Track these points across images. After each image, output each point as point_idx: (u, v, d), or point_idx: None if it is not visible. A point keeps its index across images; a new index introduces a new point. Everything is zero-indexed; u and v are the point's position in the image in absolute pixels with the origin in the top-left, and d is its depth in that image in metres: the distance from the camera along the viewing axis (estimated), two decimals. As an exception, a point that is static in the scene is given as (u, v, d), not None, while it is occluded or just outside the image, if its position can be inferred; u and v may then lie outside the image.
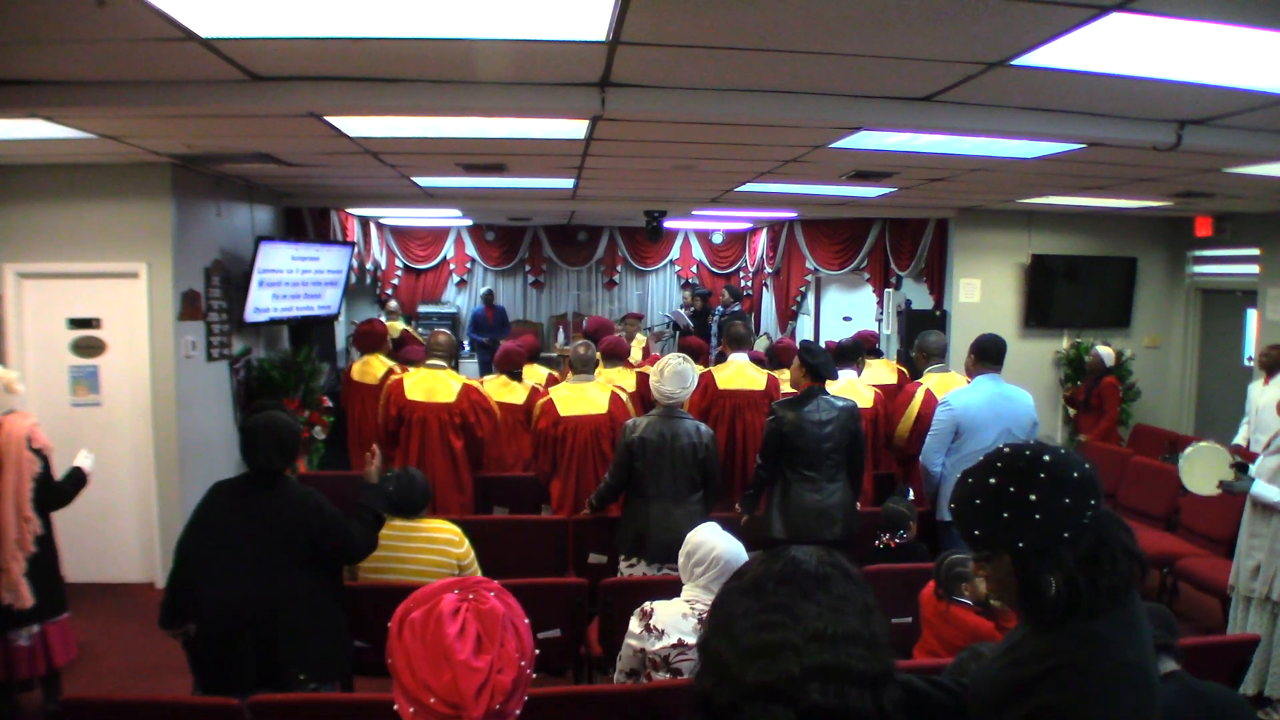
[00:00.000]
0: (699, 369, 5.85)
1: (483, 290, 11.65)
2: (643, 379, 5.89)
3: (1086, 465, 1.41)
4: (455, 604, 1.35)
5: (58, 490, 3.74)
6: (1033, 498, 1.37)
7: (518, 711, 1.40)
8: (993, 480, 1.41)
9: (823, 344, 5.97)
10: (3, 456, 3.55)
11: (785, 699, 0.99)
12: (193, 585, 2.86)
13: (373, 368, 6.19)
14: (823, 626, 1.03)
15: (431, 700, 1.30)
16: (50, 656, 3.75)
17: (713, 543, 2.65)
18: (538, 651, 1.46)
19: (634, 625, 2.66)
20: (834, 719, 0.99)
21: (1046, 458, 1.40)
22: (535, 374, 6.21)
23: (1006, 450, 1.45)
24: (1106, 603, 1.37)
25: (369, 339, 6.41)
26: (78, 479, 3.81)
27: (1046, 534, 1.36)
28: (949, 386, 4.78)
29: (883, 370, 5.98)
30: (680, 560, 2.73)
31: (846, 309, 10.59)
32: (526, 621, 1.42)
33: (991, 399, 4.38)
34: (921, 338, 5.33)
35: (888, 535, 3.96)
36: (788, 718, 0.98)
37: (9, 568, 3.56)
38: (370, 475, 3.27)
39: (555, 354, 10.13)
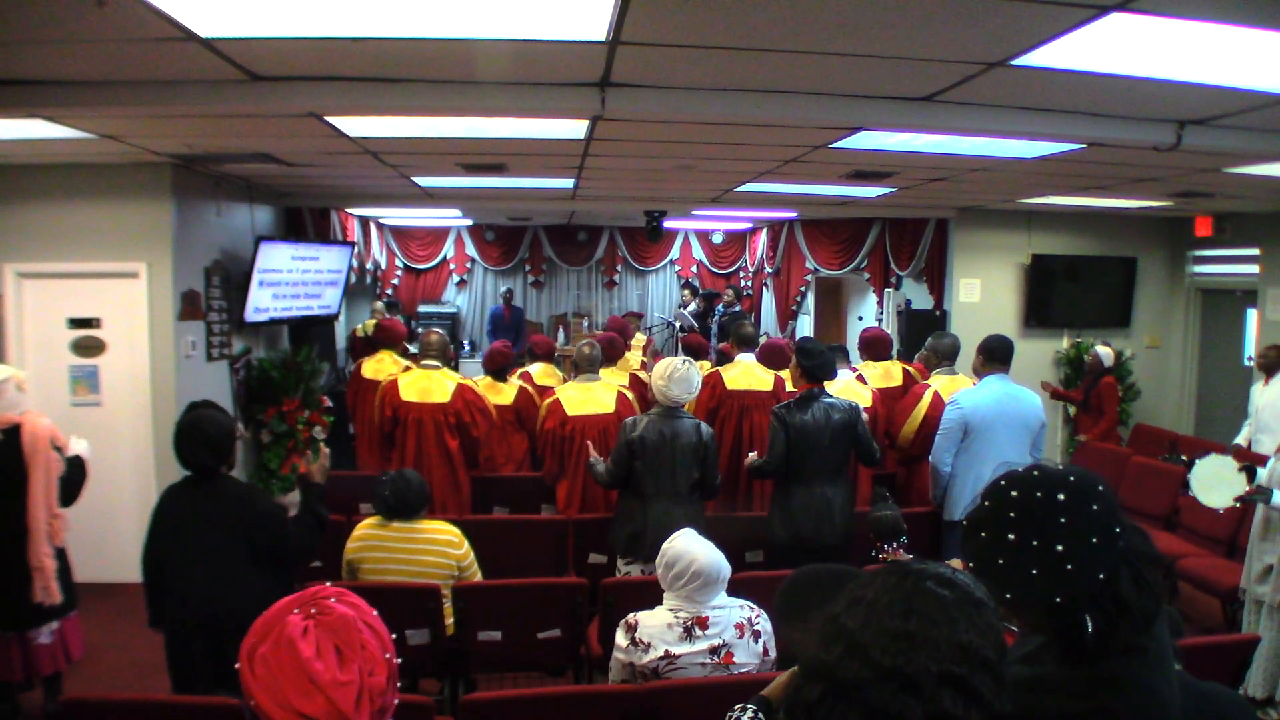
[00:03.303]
0: (704, 366, 5.87)
1: (502, 289, 11.75)
2: (635, 379, 5.88)
3: (1100, 488, 1.29)
4: (301, 624, 1.32)
5: (71, 484, 3.74)
6: (1060, 549, 1.24)
7: (396, 701, 1.40)
8: (1011, 536, 1.26)
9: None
10: (30, 455, 3.52)
11: (917, 693, 0.99)
12: (159, 587, 2.96)
13: (385, 366, 6.18)
14: (969, 642, 1.03)
15: None
16: (69, 652, 3.78)
17: (692, 554, 2.61)
18: (396, 649, 1.44)
19: (620, 638, 2.65)
20: None
21: (1061, 497, 1.26)
22: (550, 375, 6.18)
23: (1014, 493, 1.29)
24: (1143, 632, 1.30)
25: (387, 335, 6.43)
26: (79, 467, 3.81)
27: (1081, 582, 1.25)
28: (956, 390, 4.76)
29: (892, 370, 5.96)
30: (659, 570, 2.69)
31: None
32: (375, 613, 1.40)
33: (1000, 399, 4.39)
34: (935, 338, 5.30)
35: (894, 545, 3.93)
36: (915, 713, 0.98)
37: (44, 565, 3.54)
38: (313, 474, 3.21)
39: (556, 354, 10.13)
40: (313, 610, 1.34)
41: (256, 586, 2.86)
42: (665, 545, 2.69)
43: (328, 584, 1.47)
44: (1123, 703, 1.29)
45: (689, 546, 2.64)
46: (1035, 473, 1.32)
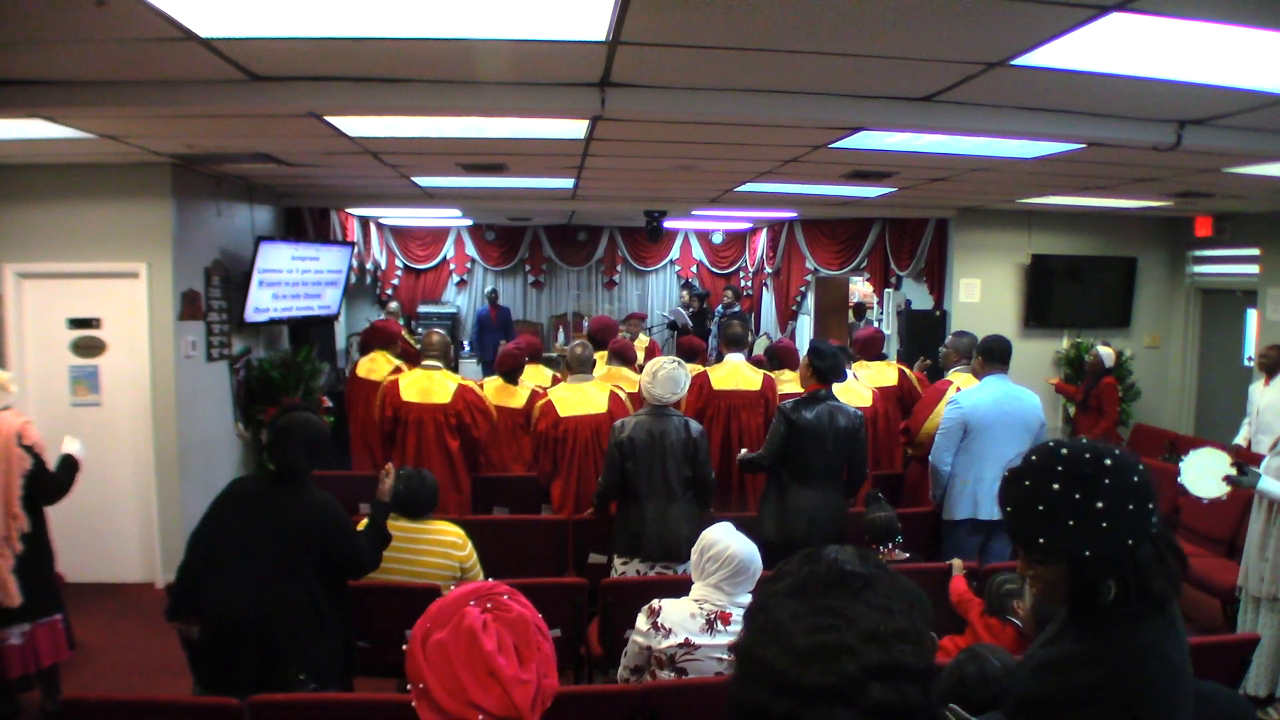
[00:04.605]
0: (696, 368, 5.87)
1: (487, 290, 11.68)
2: None
3: (1142, 467, 1.39)
4: (481, 616, 1.32)
5: (53, 481, 3.72)
6: (1099, 505, 1.33)
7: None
8: (1056, 486, 1.36)
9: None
10: None
11: (848, 700, 0.99)
12: (200, 580, 2.87)
13: (379, 365, 6.18)
14: (875, 626, 1.03)
15: (480, 718, 1.28)
16: (38, 656, 3.73)
17: (727, 542, 2.64)
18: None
19: (641, 622, 2.65)
20: (893, 715, 0.99)
21: (1108, 461, 1.36)
22: (539, 375, 6.18)
23: (1064, 451, 1.39)
24: (1155, 607, 1.37)
25: (380, 336, 6.42)
26: (70, 466, 3.79)
27: (1112, 542, 1.34)
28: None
29: (886, 371, 5.96)
30: (693, 557, 2.72)
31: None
32: (540, 616, 1.42)
33: (1000, 399, 4.39)
34: (955, 336, 5.30)
35: (890, 546, 3.93)
36: (851, 717, 0.99)
37: None
38: (384, 493, 3.23)
39: (555, 354, 10.14)
40: (489, 605, 1.35)
41: (315, 592, 2.85)
42: (704, 533, 2.72)
43: (491, 579, 1.48)
44: (1134, 668, 1.34)
45: (725, 535, 2.67)
46: (1084, 440, 1.42)
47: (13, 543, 3.59)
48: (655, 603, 2.66)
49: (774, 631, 1.06)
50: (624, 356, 5.95)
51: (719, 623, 2.59)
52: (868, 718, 0.98)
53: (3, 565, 3.56)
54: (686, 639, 2.57)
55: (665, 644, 2.58)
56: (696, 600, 2.64)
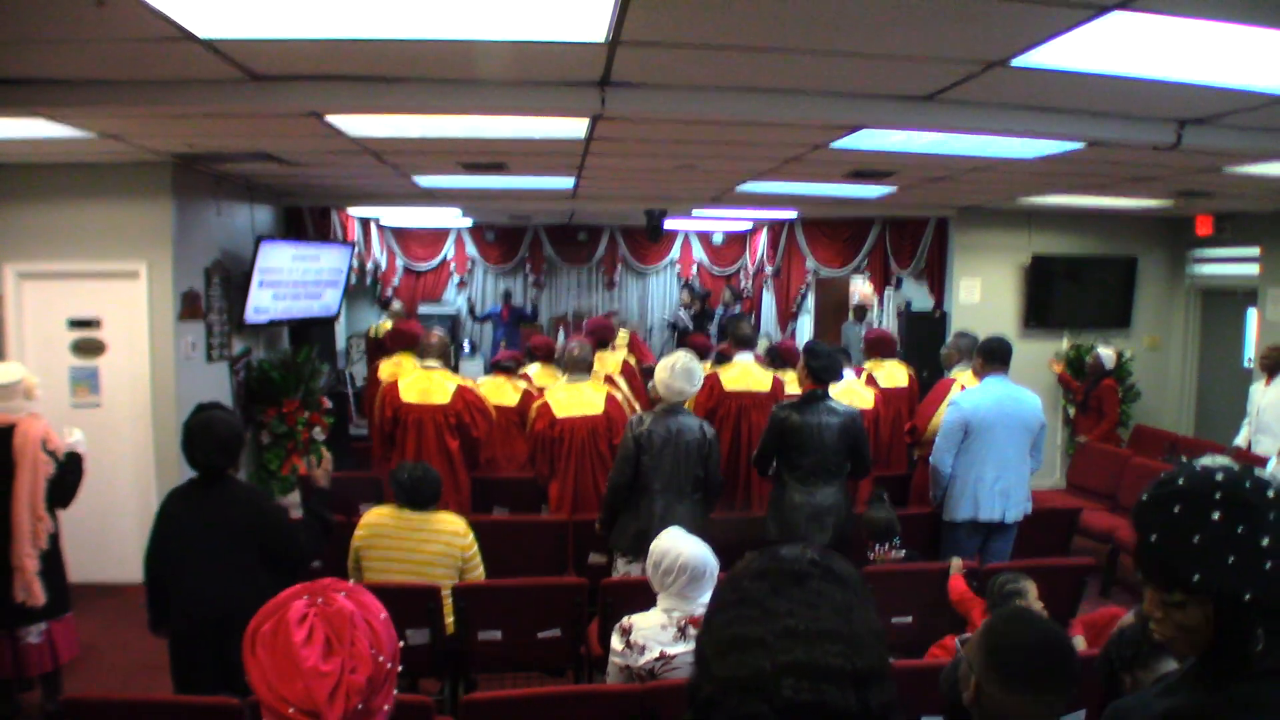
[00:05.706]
0: (706, 366, 5.86)
1: (501, 289, 11.85)
2: (610, 380, 5.89)
3: None
4: (302, 610, 1.33)
5: (67, 482, 3.75)
6: (1265, 542, 1.19)
7: (387, 707, 1.39)
8: (1216, 515, 1.21)
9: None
10: (19, 457, 3.57)
11: (760, 694, 0.97)
12: (166, 594, 2.94)
13: (404, 368, 6.16)
14: (794, 624, 0.99)
15: (290, 711, 1.28)
16: (56, 654, 3.78)
17: (678, 549, 2.64)
18: (401, 644, 1.43)
19: (615, 642, 2.66)
20: (813, 715, 0.96)
21: (1272, 493, 1.22)
22: (553, 377, 6.14)
23: (1220, 477, 1.24)
24: None
25: (404, 338, 6.41)
26: (77, 465, 3.81)
27: (1275, 584, 1.19)
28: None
29: (897, 372, 5.95)
30: (649, 571, 2.71)
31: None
32: (384, 616, 1.39)
33: (1000, 400, 4.39)
34: (957, 336, 5.34)
35: (885, 546, 3.94)
36: (764, 711, 0.96)
37: (24, 566, 3.59)
38: (318, 479, 3.25)
39: (556, 355, 10.14)
40: (319, 600, 1.35)
41: (266, 588, 2.85)
42: (652, 546, 2.72)
43: (351, 581, 1.47)
44: None
45: (674, 542, 2.67)
46: (1236, 466, 1.30)
47: (40, 544, 3.64)
48: (626, 620, 2.66)
49: (708, 620, 1.08)
50: (599, 338, 6.05)
51: (690, 628, 2.60)
52: (782, 714, 0.96)
53: (30, 566, 3.61)
54: (661, 652, 2.57)
55: (641, 661, 2.58)
56: (665, 610, 2.64)
